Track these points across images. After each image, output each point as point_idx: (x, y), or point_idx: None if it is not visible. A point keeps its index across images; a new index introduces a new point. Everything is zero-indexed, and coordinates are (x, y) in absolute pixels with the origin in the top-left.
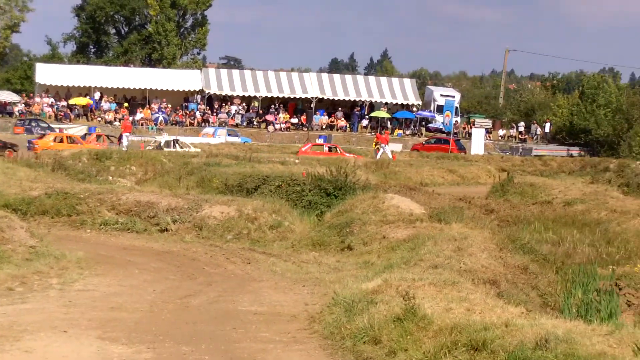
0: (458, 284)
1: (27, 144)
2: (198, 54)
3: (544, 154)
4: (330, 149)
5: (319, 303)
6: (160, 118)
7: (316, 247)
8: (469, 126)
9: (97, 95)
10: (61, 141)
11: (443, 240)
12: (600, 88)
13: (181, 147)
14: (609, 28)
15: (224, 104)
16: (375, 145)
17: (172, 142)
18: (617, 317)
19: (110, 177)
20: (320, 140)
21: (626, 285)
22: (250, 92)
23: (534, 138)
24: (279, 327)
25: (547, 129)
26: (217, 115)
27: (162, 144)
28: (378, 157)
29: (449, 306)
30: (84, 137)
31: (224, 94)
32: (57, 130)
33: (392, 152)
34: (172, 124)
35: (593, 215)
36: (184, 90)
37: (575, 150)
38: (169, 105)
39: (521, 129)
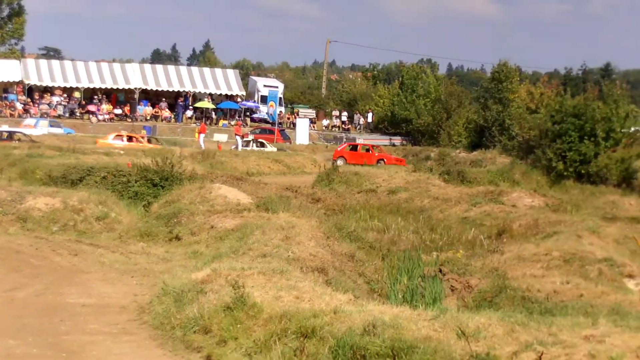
0: (287, 272)
1: None
2: (16, 44)
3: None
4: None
5: (148, 294)
6: None
7: (144, 238)
8: (293, 116)
9: None
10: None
11: (271, 230)
12: (419, 78)
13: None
14: (426, 20)
15: (44, 95)
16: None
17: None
18: (441, 301)
19: None
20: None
21: (449, 271)
22: (72, 83)
23: (357, 128)
24: (108, 318)
25: (369, 119)
26: (38, 106)
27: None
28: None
29: (278, 294)
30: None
31: (44, 84)
32: None
33: (218, 142)
34: None
35: (416, 203)
36: (2, 81)
37: (397, 140)
38: None
39: (344, 118)
